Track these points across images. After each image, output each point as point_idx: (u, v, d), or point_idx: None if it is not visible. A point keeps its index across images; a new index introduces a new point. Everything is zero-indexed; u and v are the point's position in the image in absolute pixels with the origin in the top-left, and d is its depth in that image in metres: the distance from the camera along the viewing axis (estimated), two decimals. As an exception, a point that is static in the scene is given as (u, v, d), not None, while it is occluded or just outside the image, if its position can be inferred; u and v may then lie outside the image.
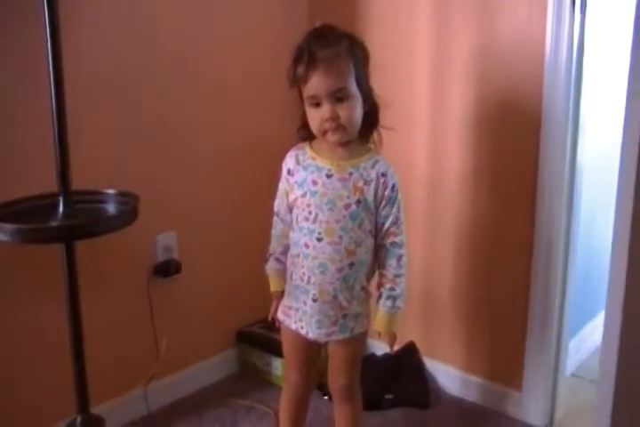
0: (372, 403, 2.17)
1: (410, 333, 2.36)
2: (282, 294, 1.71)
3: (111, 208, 1.62)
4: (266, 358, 2.35)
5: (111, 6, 1.89)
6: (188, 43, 2.08)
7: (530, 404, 2.14)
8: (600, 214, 2.53)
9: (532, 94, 1.94)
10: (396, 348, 2.30)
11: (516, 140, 2.03)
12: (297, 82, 1.54)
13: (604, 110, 2.37)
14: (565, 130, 1.91)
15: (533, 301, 2.06)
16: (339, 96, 1.50)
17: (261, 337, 2.35)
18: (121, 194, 1.64)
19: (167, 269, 2.14)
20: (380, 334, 1.67)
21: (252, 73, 2.26)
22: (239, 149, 2.28)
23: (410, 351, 2.35)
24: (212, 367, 2.37)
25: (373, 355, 2.40)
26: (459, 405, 2.27)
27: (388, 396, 2.24)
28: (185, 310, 2.24)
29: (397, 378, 2.30)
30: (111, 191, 1.65)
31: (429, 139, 2.22)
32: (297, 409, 1.82)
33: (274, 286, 1.74)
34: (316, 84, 1.50)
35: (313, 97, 1.52)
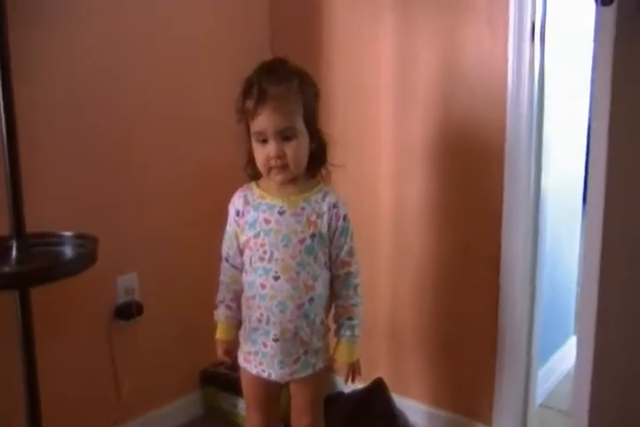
0: (342, 443, 2.12)
1: (378, 369, 2.33)
2: (227, 342, 1.69)
3: (68, 251, 1.57)
4: (231, 399, 2.29)
5: (63, 33, 1.86)
6: (140, 70, 2.05)
7: (501, 438, 2.11)
8: (564, 244, 2.56)
9: (495, 124, 1.95)
10: (363, 384, 2.28)
11: (480, 171, 2.03)
12: (245, 116, 1.53)
13: (566, 139, 2.40)
14: (529, 162, 1.93)
15: (502, 333, 2.05)
16: (286, 135, 1.50)
17: (226, 378, 2.29)
18: (79, 236, 1.60)
19: (129, 312, 2.07)
20: (334, 362, 1.66)
21: (208, 102, 2.23)
22: (197, 187, 2.24)
23: (378, 388, 2.30)
24: (175, 411, 2.30)
25: (341, 393, 2.35)
26: (430, 441, 2.22)
27: (358, 435, 2.18)
28: (147, 353, 2.17)
29: (367, 417, 2.24)
30: (68, 233, 1.60)
31: (393, 173, 2.22)
32: None
33: (221, 334, 1.70)
34: (265, 121, 1.49)
35: (260, 133, 1.51)
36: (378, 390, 2.30)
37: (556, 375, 2.61)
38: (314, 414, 1.71)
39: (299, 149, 1.53)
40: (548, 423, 2.29)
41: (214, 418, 2.35)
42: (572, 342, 2.75)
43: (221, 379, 2.32)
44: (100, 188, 1.98)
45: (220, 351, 1.71)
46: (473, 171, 2.05)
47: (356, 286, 1.64)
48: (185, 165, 2.21)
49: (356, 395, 2.29)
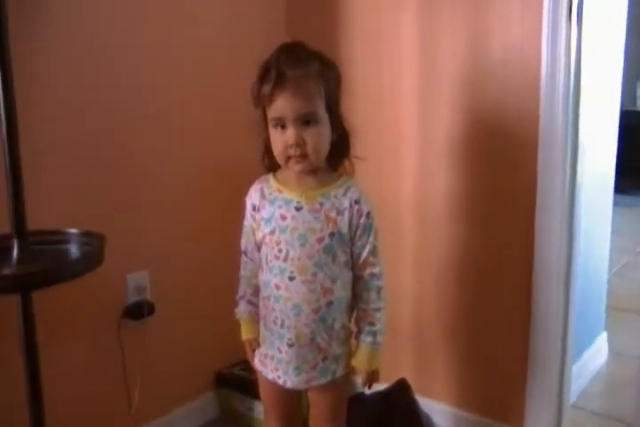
0: (365, 448, 2.03)
1: (401, 369, 2.24)
2: (256, 340, 1.59)
3: (74, 250, 1.46)
4: (247, 402, 2.20)
5: (63, 23, 1.74)
6: (147, 65, 1.94)
7: (533, 443, 2.01)
8: (596, 238, 2.47)
9: (529, 115, 1.84)
10: (385, 385, 2.19)
11: (512, 165, 1.92)
12: (261, 102, 1.42)
13: (598, 130, 2.30)
14: (565, 152, 1.81)
15: (534, 332, 1.94)
16: (306, 120, 1.39)
17: (241, 380, 2.21)
18: (84, 234, 1.49)
19: (139, 311, 1.98)
20: (353, 369, 1.56)
21: (220, 95, 2.13)
22: (210, 181, 2.15)
23: (401, 389, 2.21)
24: (189, 414, 2.21)
25: (362, 394, 2.24)
26: (457, 446, 2.13)
27: (382, 440, 2.09)
28: (159, 354, 2.09)
29: (389, 419, 2.15)
30: (73, 231, 1.50)
31: (417, 165, 2.11)
32: None
33: (247, 333, 1.61)
34: (283, 105, 1.38)
35: (278, 119, 1.40)
36: (401, 391, 2.21)
37: (587, 374, 2.52)
38: (335, 420, 1.61)
39: (319, 137, 1.41)
40: (582, 426, 2.19)
41: (230, 421, 2.26)
42: (603, 338, 2.70)
43: (237, 381, 2.23)
44: (107, 183, 1.88)
45: (249, 353, 1.62)
46: (504, 163, 1.93)
47: (379, 289, 1.53)
48: (199, 159, 2.12)
49: (378, 396, 2.20)
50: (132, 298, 1.98)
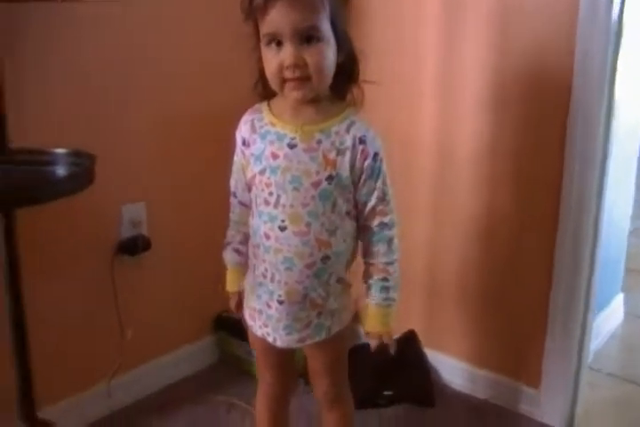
0: (368, 400, 1.95)
1: (409, 320, 2.12)
2: (238, 294, 1.47)
3: (61, 171, 1.32)
4: (247, 346, 2.05)
5: None
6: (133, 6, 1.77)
7: (548, 402, 1.90)
8: (621, 196, 2.33)
9: (562, 55, 1.67)
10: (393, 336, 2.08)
11: (542, 111, 1.76)
12: (253, 13, 1.19)
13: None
14: (600, 100, 1.65)
15: (556, 287, 1.82)
16: (307, 36, 1.16)
17: (241, 324, 2.08)
18: (74, 153, 1.35)
19: (134, 247, 1.87)
20: (368, 334, 1.38)
21: (218, 27, 1.93)
22: (216, 111, 1.95)
23: (409, 341, 2.11)
24: (186, 358, 2.12)
25: (367, 345, 2.14)
26: (466, 402, 2.02)
27: (387, 392, 2.00)
28: (155, 293, 1.98)
29: (396, 372, 2.05)
30: (61, 150, 1.36)
31: (438, 106, 1.94)
32: (275, 411, 1.53)
33: (230, 285, 1.49)
34: (279, 17, 1.15)
35: (273, 34, 1.17)
36: (408, 343, 2.12)
37: (603, 335, 2.42)
38: (335, 376, 1.46)
39: (323, 58, 1.18)
40: (596, 387, 2.09)
41: (229, 366, 2.17)
42: (620, 299, 2.60)
43: (237, 325, 2.08)
44: (100, 111, 1.74)
45: (232, 304, 1.51)
46: (536, 106, 1.77)
47: (390, 240, 1.33)
48: (205, 90, 1.96)
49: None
50: (127, 232, 1.86)
